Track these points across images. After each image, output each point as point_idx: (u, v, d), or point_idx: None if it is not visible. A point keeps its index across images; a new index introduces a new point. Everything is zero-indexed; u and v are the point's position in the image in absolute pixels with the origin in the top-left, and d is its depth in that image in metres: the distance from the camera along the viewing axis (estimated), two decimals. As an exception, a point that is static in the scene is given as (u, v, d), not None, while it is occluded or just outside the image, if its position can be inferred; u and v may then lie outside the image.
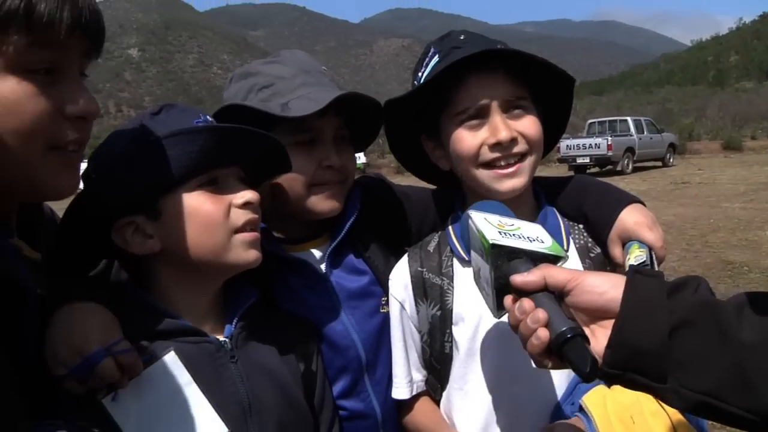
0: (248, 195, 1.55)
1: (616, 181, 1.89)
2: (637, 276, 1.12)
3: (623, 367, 1.07)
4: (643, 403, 1.46)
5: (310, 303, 1.84)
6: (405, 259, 1.89)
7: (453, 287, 1.78)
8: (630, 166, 28.99)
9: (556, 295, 1.17)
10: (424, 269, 1.83)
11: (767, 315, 1.01)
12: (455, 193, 1.94)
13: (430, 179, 2.03)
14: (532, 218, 1.77)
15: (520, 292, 1.19)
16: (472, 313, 1.73)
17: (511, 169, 1.69)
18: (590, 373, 1.06)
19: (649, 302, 1.07)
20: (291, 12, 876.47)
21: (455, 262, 1.80)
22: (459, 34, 1.79)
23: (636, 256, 1.58)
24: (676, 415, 1.43)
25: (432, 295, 1.80)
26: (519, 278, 1.19)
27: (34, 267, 1.30)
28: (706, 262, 10.13)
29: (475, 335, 1.73)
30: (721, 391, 1.00)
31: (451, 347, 1.78)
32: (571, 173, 2.29)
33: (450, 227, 1.86)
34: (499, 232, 1.30)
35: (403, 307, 1.84)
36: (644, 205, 1.76)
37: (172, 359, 1.38)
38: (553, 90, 1.79)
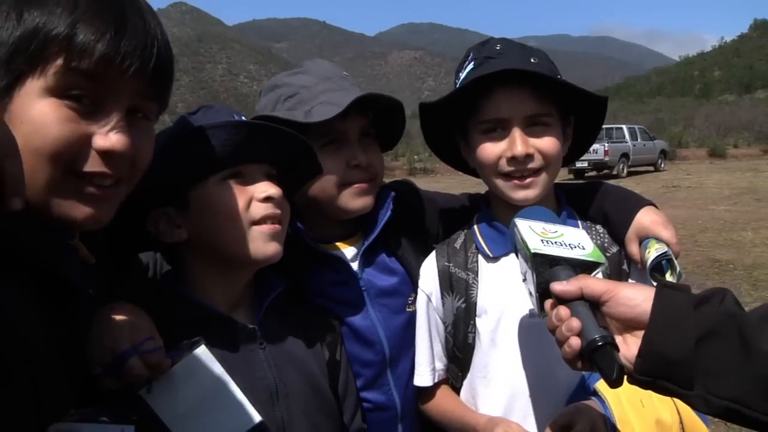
0: (270, 190, 1.49)
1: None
2: (665, 290, 1.11)
3: (653, 375, 1.07)
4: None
5: (340, 298, 1.82)
6: (433, 254, 1.87)
7: (478, 282, 1.77)
8: (625, 171, 28.78)
9: (592, 303, 1.15)
10: (451, 264, 1.82)
11: None
12: (481, 195, 1.94)
13: (465, 170, 1.96)
14: None
15: (560, 299, 1.18)
16: (494, 307, 1.73)
17: (525, 181, 1.68)
18: (617, 379, 1.07)
19: (677, 314, 1.06)
20: (312, 26, 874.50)
21: (480, 258, 1.80)
22: (496, 43, 1.74)
23: (656, 248, 1.59)
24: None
25: (458, 288, 1.79)
26: (558, 287, 1.18)
27: (90, 269, 1.26)
28: (696, 260, 10.05)
29: (497, 327, 1.73)
30: (746, 398, 0.98)
31: (474, 338, 1.77)
32: (571, 176, 2.28)
33: (475, 226, 1.85)
34: (542, 241, 1.28)
35: (429, 299, 1.83)
36: (657, 207, 1.77)
37: (203, 352, 1.32)
38: (582, 104, 1.76)
